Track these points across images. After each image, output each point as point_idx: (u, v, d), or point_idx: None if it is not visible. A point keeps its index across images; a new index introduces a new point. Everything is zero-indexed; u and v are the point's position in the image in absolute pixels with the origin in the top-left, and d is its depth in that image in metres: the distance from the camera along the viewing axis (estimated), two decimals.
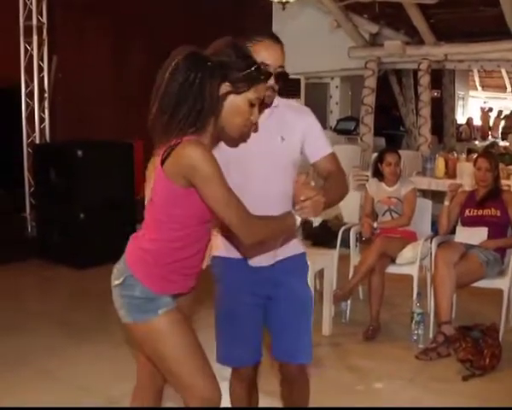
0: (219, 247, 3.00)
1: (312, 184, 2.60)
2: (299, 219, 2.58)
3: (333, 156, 3.00)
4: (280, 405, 3.48)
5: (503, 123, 19.85)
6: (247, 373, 3.18)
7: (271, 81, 2.73)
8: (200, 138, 2.43)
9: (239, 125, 2.54)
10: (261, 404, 3.49)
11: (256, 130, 2.76)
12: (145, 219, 2.66)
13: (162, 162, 2.43)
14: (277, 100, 2.89)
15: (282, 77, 2.80)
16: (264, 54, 2.72)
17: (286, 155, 2.88)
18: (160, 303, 2.60)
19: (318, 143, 2.98)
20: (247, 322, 3.04)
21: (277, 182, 2.85)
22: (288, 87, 11.11)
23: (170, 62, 2.43)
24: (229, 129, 2.55)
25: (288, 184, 2.85)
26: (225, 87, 2.46)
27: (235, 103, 2.49)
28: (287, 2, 8.38)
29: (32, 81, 8.07)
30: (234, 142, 2.74)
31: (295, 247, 3.07)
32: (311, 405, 4.08)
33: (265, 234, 2.61)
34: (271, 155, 2.83)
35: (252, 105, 2.52)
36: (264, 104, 2.74)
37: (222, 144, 2.74)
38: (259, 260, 2.94)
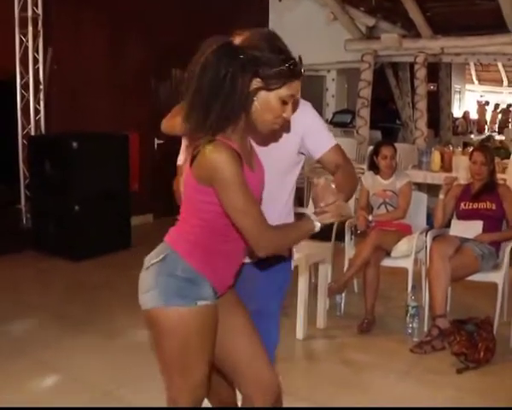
0: None
1: (333, 186, 2.44)
2: (318, 225, 2.43)
3: (338, 148, 2.88)
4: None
5: (500, 117, 19.89)
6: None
7: None
8: (230, 138, 2.36)
9: (269, 122, 2.44)
10: None
11: (288, 129, 2.71)
12: (184, 211, 2.56)
13: (191, 161, 2.37)
14: None
15: None
16: None
17: (278, 154, 2.76)
18: (202, 293, 2.48)
19: (321, 137, 2.86)
20: None
21: (269, 185, 2.65)
22: None
23: (200, 55, 2.31)
24: (260, 126, 2.44)
25: (283, 184, 2.81)
26: (256, 83, 2.34)
27: (266, 100, 2.37)
28: None
29: (28, 73, 8.04)
30: (264, 140, 2.69)
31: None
32: (306, 398, 4.11)
33: (283, 245, 2.53)
34: (265, 155, 2.66)
35: (284, 102, 2.40)
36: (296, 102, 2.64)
37: None
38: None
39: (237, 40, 2.37)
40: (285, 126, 2.61)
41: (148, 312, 2.51)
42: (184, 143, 2.89)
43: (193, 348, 2.50)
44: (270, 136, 2.66)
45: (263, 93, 2.36)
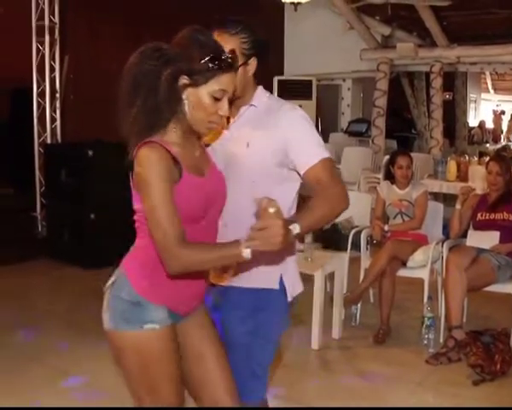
0: None
1: (271, 210, 2.06)
2: (247, 252, 2.11)
3: (325, 164, 2.44)
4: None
5: None
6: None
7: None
8: (168, 141, 2.27)
9: (204, 121, 2.31)
10: None
11: (227, 127, 2.54)
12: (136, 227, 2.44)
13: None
14: (260, 98, 2.57)
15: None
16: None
17: (251, 164, 2.47)
18: (150, 316, 2.33)
19: (304, 150, 2.46)
20: None
21: (240, 200, 2.44)
22: (300, 89, 11.16)
23: (128, 61, 2.31)
24: (195, 125, 2.32)
25: (252, 204, 2.25)
26: (182, 80, 2.25)
27: (195, 97, 2.27)
28: (298, 3, 8.37)
29: (44, 81, 8.09)
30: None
31: (267, 281, 2.59)
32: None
33: (196, 265, 2.26)
34: (234, 163, 2.47)
35: (216, 99, 2.27)
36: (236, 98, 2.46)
37: None
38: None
39: (172, 41, 2.32)
40: (223, 123, 2.48)
41: (106, 332, 2.42)
42: None
43: (152, 369, 2.38)
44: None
45: (191, 90, 2.27)
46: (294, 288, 2.68)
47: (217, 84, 2.25)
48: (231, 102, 2.38)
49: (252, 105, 2.55)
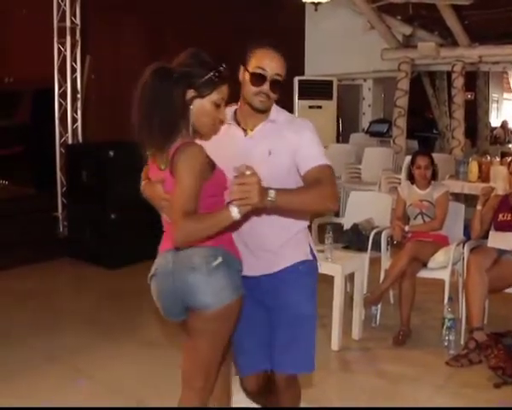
0: None
1: (248, 172, 2.44)
2: (235, 211, 2.48)
3: (324, 168, 2.82)
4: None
5: None
6: (254, 381, 3.19)
7: (266, 87, 2.84)
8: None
9: (208, 125, 2.80)
10: None
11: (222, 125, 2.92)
12: None
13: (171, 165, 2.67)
14: (277, 114, 2.96)
15: (277, 85, 2.86)
16: (262, 60, 2.84)
17: (273, 169, 2.81)
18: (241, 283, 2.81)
19: (309, 154, 2.86)
20: (250, 332, 3.06)
21: None
22: (321, 89, 11.14)
23: (141, 80, 2.73)
24: (201, 129, 2.80)
25: None
26: (190, 93, 2.72)
27: (201, 106, 2.74)
28: (319, 3, 8.36)
29: (65, 82, 8.14)
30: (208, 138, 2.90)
31: (298, 254, 3.06)
32: None
33: (197, 232, 2.62)
34: (258, 169, 2.60)
35: (217, 106, 2.77)
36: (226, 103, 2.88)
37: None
38: (249, 270, 2.95)
39: (174, 62, 2.78)
40: (221, 125, 2.90)
41: (216, 310, 2.70)
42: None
43: (225, 342, 2.85)
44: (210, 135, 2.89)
45: (197, 101, 2.74)
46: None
47: (218, 93, 2.76)
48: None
49: (272, 121, 2.95)
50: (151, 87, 2.69)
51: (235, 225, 2.75)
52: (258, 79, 2.83)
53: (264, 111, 2.91)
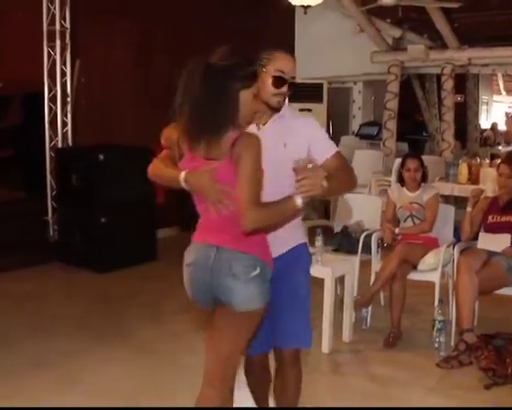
0: None
1: (310, 166, 2.80)
2: (299, 200, 2.76)
3: (339, 155, 3.21)
4: None
5: None
6: (257, 360, 3.45)
7: (285, 89, 3.10)
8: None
9: (248, 115, 2.91)
10: None
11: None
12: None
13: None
14: (285, 110, 3.21)
15: (293, 86, 3.14)
16: (281, 63, 3.10)
17: (289, 160, 2.96)
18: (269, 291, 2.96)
19: (323, 146, 3.20)
20: None
21: (281, 187, 2.95)
22: (311, 92, 11.14)
23: (194, 71, 2.81)
24: (243, 120, 2.88)
25: (293, 188, 2.89)
26: (237, 85, 2.82)
27: (245, 98, 2.84)
28: (308, 6, 8.35)
29: (55, 85, 8.12)
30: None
31: (301, 236, 3.36)
32: None
33: (267, 220, 2.84)
34: (274, 160, 3.00)
35: (254, 97, 2.91)
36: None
37: None
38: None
39: (214, 58, 2.83)
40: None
41: (245, 311, 2.88)
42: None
43: (245, 341, 3.03)
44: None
45: (242, 92, 2.83)
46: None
47: (255, 86, 2.89)
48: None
49: (281, 116, 3.19)
50: (204, 78, 2.78)
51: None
52: (279, 81, 3.08)
53: (279, 109, 3.16)
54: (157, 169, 3.25)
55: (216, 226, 2.90)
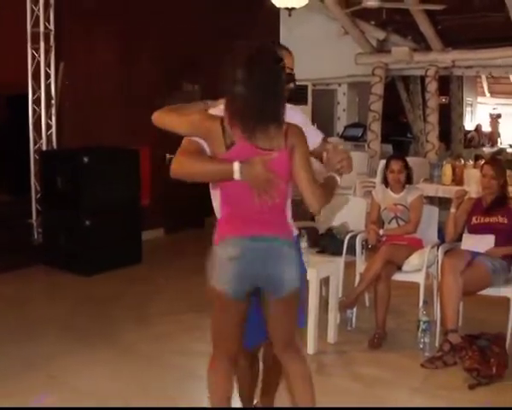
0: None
1: (341, 147, 3.20)
2: (338, 179, 3.12)
3: (325, 140, 3.50)
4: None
5: None
6: (252, 352, 3.60)
7: (292, 84, 3.33)
8: None
9: None
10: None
11: None
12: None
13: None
14: None
15: (291, 77, 3.33)
16: (286, 60, 3.16)
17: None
18: None
19: (312, 132, 3.39)
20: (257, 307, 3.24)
21: None
22: (295, 94, 11.15)
23: (250, 58, 2.90)
24: None
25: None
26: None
27: None
28: (292, 8, 8.35)
29: (39, 88, 8.08)
30: None
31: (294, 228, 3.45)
32: None
33: (327, 199, 3.05)
34: None
35: None
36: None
37: None
38: None
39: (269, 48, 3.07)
40: None
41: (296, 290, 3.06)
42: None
43: None
44: None
45: None
46: None
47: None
48: None
49: None
50: (267, 65, 2.92)
51: None
52: (288, 78, 3.19)
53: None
54: (189, 166, 2.96)
55: (259, 218, 2.97)
